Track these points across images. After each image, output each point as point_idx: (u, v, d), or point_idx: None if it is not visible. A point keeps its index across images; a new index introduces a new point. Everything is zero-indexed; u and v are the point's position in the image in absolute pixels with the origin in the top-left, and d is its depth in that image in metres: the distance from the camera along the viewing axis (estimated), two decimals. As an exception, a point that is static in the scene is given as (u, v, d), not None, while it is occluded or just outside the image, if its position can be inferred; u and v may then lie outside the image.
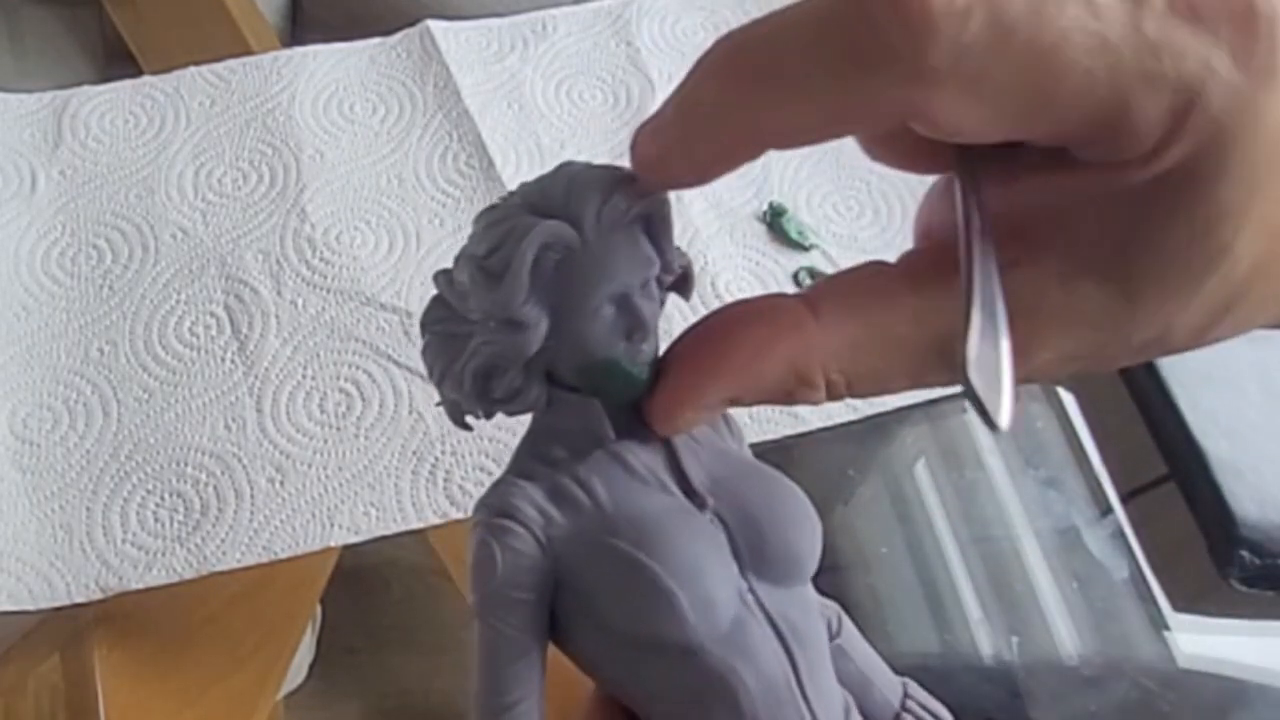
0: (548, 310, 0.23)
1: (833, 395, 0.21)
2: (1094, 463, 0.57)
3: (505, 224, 0.23)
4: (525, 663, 0.23)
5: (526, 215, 0.23)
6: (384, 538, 0.51)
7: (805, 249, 0.60)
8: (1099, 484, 0.57)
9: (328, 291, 0.58)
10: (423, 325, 0.24)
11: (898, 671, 0.25)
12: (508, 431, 0.53)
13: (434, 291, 0.24)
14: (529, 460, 0.25)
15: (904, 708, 0.24)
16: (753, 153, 0.20)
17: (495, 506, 0.24)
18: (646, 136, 0.21)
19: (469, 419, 0.25)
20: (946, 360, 0.21)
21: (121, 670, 0.48)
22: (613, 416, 0.24)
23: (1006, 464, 0.57)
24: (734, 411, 0.25)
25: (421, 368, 0.55)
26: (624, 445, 0.24)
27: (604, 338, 0.23)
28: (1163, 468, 0.58)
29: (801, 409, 0.54)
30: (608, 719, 0.24)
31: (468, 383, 0.24)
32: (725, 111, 0.19)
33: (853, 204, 0.63)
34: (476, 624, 0.23)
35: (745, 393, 0.22)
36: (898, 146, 0.21)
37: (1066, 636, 0.50)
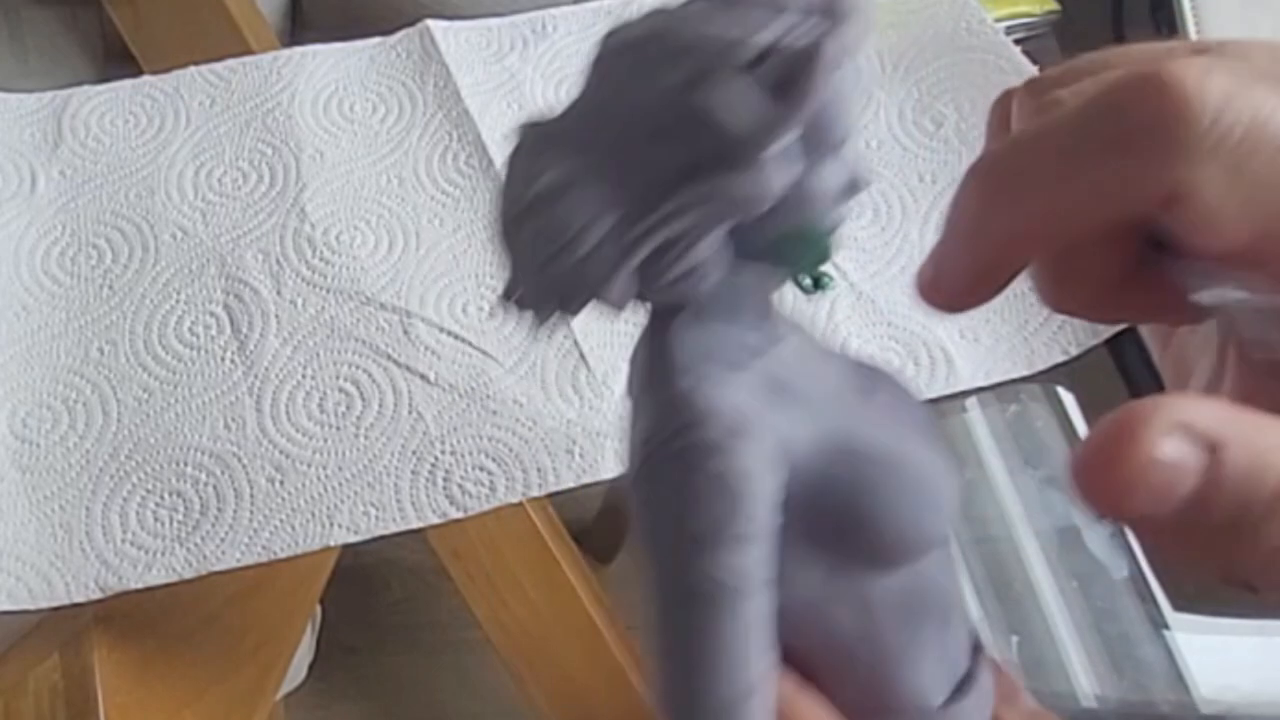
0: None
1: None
2: (1094, 463, 0.57)
3: (771, 10, 0.16)
4: (763, 624, 0.17)
5: (789, 10, 0.16)
6: (384, 537, 0.51)
7: (805, 249, 0.60)
8: (1099, 484, 0.57)
9: (328, 291, 0.58)
10: (542, 193, 0.17)
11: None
12: (508, 431, 0.53)
13: (525, 144, 0.18)
14: (721, 346, 0.18)
15: None
16: (1017, 260, 0.20)
17: (716, 412, 0.17)
18: (924, 265, 0.21)
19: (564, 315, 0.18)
20: None
21: (121, 670, 0.48)
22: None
23: (1006, 464, 0.57)
24: None
25: (422, 367, 0.55)
26: (797, 324, 0.20)
27: (834, 187, 0.18)
28: (1163, 468, 0.57)
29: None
30: None
31: (635, 258, 0.17)
32: (986, 218, 0.20)
33: (853, 203, 0.63)
34: (681, 586, 0.17)
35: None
36: (1090, 290, 0.21)
37: (1066, 637, 0.50)
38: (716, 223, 0.17)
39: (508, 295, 0.19)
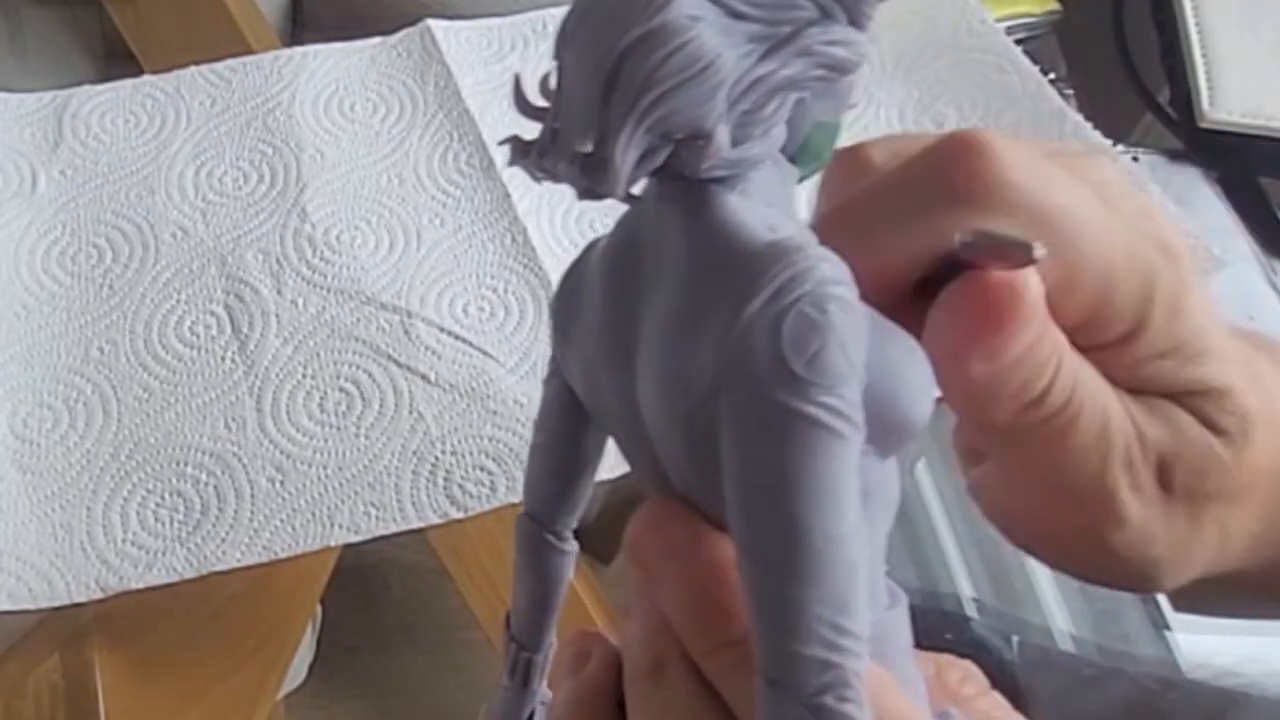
0: None
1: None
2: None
3: None
4: (858, 482, 0.17)
5: None
6: (384, 537, 0.51)
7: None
8: (1099, 484, 0.57)
9: (328, 291, 0.58)
10: (672, 21, 0.16)
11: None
12: (508, 431, 0.53)
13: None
14: (785, 221, 0.18)
15: None
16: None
17: (819, 271, 0.17)
18: None
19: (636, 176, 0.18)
20: None
21: (121, 670, 0.48)
22: None
23: (1007, 464, 0.57)
24: None
25: (422, 367, 0.55)
26: None
27: (854, 84, 0.19)
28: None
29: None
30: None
31: (749, 101, 0.17)
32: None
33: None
34: (802, 420, 0.16)
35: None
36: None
37: (1067, 636, 0.50)
38: (816, 80, 0.18)
39: (575, 143, 0.18)
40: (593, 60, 0.17)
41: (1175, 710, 0.48)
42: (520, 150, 0.19)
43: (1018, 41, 0.66)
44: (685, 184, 0.19)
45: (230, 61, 0.68)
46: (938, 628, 0.49)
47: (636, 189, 0.19)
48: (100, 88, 0.67)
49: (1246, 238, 0.61)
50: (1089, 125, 0.60)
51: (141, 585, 0.49)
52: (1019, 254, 0.18)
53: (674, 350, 0.19)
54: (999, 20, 0.68)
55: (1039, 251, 0.18)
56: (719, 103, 0.17)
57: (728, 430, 0.17)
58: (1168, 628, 0.50)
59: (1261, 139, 0.63)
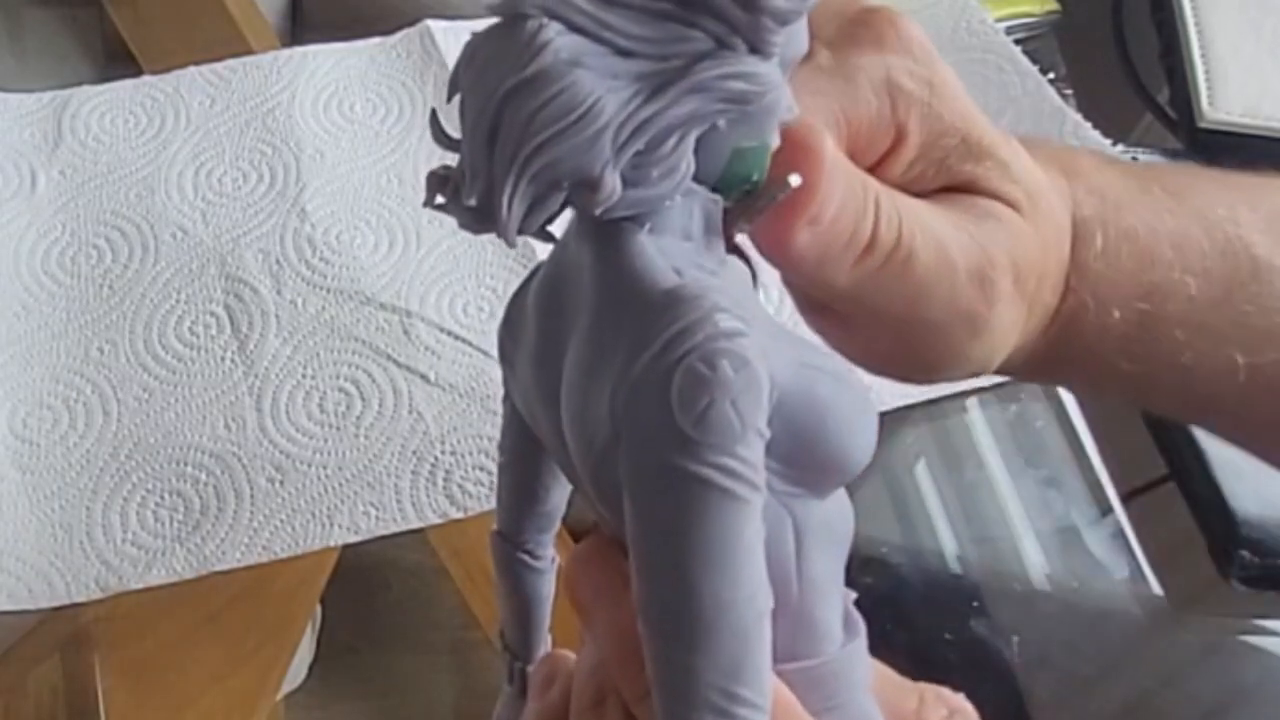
0: None
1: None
2: (1094, 463, 0.57)
3: None
4: (761, 540, 0.16)
5: None
6: (384, 537, 0.51)
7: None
8: (1099, 484, 0.57)
9: (328, 291, 0.58)
10: (549, 66, 0.16)
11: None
12: (508, 431, 0.53)
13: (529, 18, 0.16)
14: (681, 262, 0.18)
15: None
16: None
17: (712, 324, 0.16)
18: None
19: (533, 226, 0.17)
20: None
21: (121, 670, 0.48)
22: None
23: (1006, 464, 0.57)
24: None
25: (422, 367, 0.55)
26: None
27: (786, 103, 0.18)
28: (1163, 468, 0.57)
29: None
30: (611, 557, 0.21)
31: (641, 139, 0.16)
32: None
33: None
34: (699, 482, 0.16)
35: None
36: None
37: (1067, 636, 0.50)
38: (717, 114, 0.17)
39: (464, 193, 0.17)
40: (476, 108, 0.17)
41: (1174, 709, 0.48)
42: (436, 188, 0.18)
43: (1018, 41, 0.66)
44: (596, 221, 0.18)
45: (230, 62, 0.68)
46: (937, 627, 0.49)
47: (555, 225, 0.19)
48: (100, 88, 0.67)
49: (1246, 238, 0.61)
50: (1089, 125, 0.60)
51: (141, 585, 0.49)
52: (779, 187, 0.19)
53: (582, 397, 0.18)
54: (999, 20, 0.68)
55: (795, 181, 0.19)
56: (603, 148, 0.16)
57: (624, 486, 0.17)
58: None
59: (1261, 139, 0.63)
